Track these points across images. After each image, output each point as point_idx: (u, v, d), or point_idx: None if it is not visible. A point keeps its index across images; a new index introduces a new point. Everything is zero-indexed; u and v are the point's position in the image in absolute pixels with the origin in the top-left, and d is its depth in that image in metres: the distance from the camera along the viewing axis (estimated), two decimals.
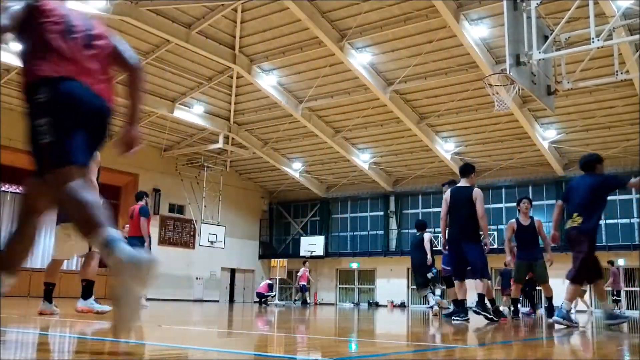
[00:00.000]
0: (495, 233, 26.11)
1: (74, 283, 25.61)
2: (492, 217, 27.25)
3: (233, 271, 31.33)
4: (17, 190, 25.37)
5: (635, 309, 23.52)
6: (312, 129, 24.67)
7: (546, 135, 23.21)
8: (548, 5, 14.80)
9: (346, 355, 3.38)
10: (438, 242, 26.85)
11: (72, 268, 26.83)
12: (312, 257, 29.95)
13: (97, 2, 16.74)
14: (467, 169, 8.51)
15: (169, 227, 28.16)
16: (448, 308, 11.20)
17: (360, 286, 30.80)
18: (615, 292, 20.81)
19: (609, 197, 7.33)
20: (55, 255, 6.99)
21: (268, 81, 22.02)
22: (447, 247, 8.38)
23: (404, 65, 19.93)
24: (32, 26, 2.81)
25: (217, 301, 28.59)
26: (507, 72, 9.76)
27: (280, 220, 33.65)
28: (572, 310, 7.16)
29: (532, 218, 10.29)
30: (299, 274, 23.40)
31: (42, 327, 4.82)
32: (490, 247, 8.43)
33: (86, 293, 7.18)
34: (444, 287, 11.86)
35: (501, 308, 12.27)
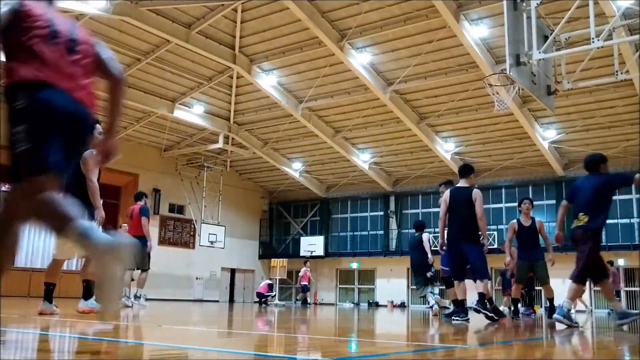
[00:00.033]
0: (495, 233, 26.13)
1: (74, 283, 25.61)
2: (492, 217, 27.26)
3: (233, 271, 31.33)
4: None
5: (635, 309, 23.51)
6: (312, 129, 24.67)
7: (546, 135, 23.20)
8: (548, 5, 14.80)
9: (346, 355, 3.38)
10: (438, 243, 26.81)
11: (72, 268, 26.86)
12: (312, 257, 29.93)
13: (97, 2, 16.75)
14: (466, 170, 8.52)
15: (169, 227, 28.16)
16: (448, 307, 11.21)
17: (360, 286, 30.80)
18: (614, 292, 20.80)
19: None
20: (56, 256, 7.06)
21: (268, 81, 22.02)
22: (444, 248, 8.39)
23: (404, 65, 19.93)
24: (17, 30, 2.80)
25: (217, 301, 28.59)
26: (507, 72, 9.76)
27: (280, 220, 33.65)
28: (572, 310, 7.15)
29: (533, 219, 10.31)
30: (300, 274, 23.38)
31: (42, 327, 4.82)
32: (490, 247, 8.43)
33: (87, 293, 7.28)
34: (443, 287, 11.86)
35: (501, 308, 12.25)
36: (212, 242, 27.91)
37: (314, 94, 22.33)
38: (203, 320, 8.21)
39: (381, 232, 29.87)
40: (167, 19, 18.46)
